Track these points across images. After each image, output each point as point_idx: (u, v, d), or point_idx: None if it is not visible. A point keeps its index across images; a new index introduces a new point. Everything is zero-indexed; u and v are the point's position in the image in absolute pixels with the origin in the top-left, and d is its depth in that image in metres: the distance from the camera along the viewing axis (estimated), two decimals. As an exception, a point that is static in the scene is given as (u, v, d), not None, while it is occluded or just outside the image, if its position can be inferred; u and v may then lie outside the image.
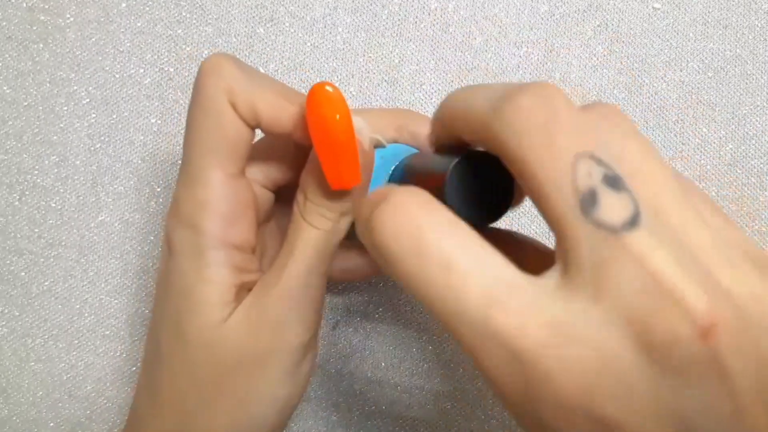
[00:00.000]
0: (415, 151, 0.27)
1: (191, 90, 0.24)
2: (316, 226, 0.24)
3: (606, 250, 0.14)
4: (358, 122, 0.22)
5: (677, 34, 0.35)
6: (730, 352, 0.14)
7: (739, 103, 0.34)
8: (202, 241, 0.23)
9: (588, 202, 0.15)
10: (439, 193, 0.22)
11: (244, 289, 0.24)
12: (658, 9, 0.35)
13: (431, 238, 0.15)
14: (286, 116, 0.23)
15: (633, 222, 0.15)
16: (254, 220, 0.25)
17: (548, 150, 0.15)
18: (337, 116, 0.21)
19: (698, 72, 0.35)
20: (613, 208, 0.15)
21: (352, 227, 0.25)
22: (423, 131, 0.26)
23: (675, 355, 0.14)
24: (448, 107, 0.20)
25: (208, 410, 0.24)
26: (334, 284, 0.34)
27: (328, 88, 0.21)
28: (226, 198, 0.24)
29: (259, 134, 0.25)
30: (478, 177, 0.20)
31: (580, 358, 0.14)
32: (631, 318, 0.14)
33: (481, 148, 0.20)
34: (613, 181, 0.15)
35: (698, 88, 0.35)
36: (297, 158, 0.26)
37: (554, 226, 0.16)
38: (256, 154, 0.26)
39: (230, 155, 0.24)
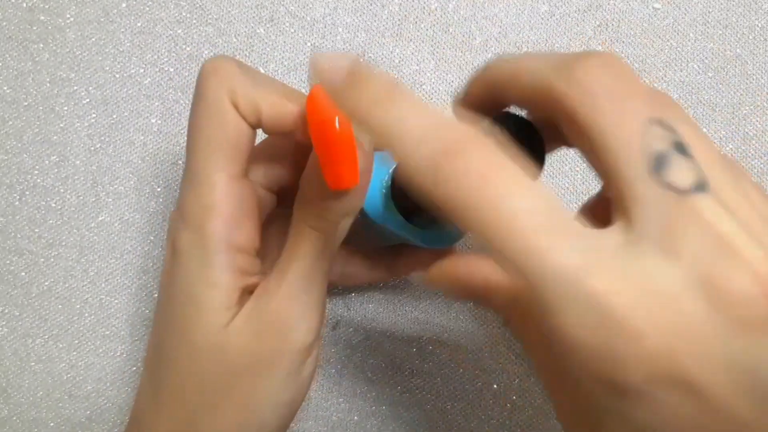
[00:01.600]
0: None
1: (191, 90, 0.24)
2: (316, 229, 0.24)
3: (675, 211, 0.15)
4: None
5: (677, 34, 0.35)
6: None
7: (740, 103, 0.34)
8: (208, 244, 0.23)
9: (658, 164, 0.16)
10: None
11: (246, 292, 0.24)
12: (658, 9, 0.35)
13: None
14: (288, 115, 0.23)
15: (700, 187, 0.16)
16: (258, 222, 0.25)
17: (620, 112, 0.16)
18: (337, 118, 0.21)
19: (698, 72, 0.35)
20: (682, 171, 0.16)
21: (351, 231, 0.25)
22: None
23: (746, 312, 0.14)
24: (498, 68, 0.21)
25: (212, 413, 0.24)
26: (333, 285, 0.34)
27: None
28: (230, 200, 0.24)
29: (259, 137, 0.25)
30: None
31: (666, 317, 0.15)
32: (702, 278, 0.15)
33: (517, 111, 0.21)
34: (681, 148, 0.16)
35: (698, 88, 0.35)
36: (298, 160, 0.26)
37: (617, 184, 0.16)
38: (258, 156, 0.26)
39: (233, 155, 0.24)
